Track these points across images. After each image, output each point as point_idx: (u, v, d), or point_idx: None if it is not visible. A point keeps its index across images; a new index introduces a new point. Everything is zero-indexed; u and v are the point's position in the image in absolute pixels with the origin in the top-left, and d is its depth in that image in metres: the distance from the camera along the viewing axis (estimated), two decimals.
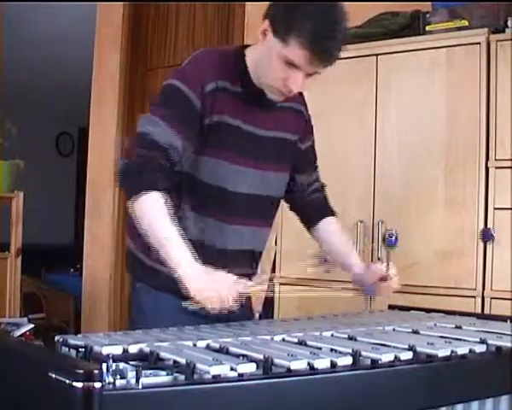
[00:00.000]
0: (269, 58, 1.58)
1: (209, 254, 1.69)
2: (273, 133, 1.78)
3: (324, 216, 1.98)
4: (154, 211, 1.54)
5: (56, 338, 1.26)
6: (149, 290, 1.75)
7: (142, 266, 1.77)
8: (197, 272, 1.51)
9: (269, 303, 3.08)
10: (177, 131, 1.60)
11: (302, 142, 1.91)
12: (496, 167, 2.48)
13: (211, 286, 1.49)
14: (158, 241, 1.53)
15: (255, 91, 1.69)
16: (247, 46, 1.74)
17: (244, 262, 1.79)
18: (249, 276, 1.77)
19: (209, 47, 2.38)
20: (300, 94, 1.87)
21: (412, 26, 2.77)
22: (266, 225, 1.87)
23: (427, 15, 2.72)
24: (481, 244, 2.48)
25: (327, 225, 1.97)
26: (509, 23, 2.53)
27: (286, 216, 2.90)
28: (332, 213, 2.00)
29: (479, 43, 2.53)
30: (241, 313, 1.72)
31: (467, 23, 2.62)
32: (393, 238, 1.99)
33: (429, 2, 2.83)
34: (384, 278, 1.82)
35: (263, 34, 1.59)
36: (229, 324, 1.58)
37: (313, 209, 1.98)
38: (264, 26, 1.58)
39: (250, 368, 1.07)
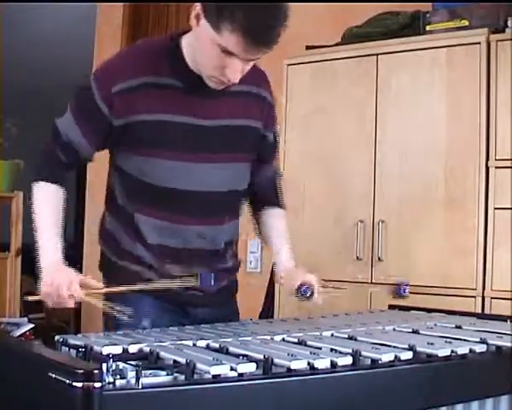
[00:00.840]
0: (203, 45, 1.47)
1: (170, 256, 1.66)
2: (226, 121, 1.65)
3: (272, 204, 1.84)
4: (38, 200, 1.62)
5: (56, 338, 1.26)
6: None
7: (114, 267, 1.72)
8: (49, 266, 1.51)
9: (268, 304, 3.08)
10: (82, 130, 1.61)
11: (266, 128, 1.76)
12: (496, 167, 2.48)
13: (50, 281, 1.47)
14: (36, 229, 1.58)
15: (195, 80, 1.57)
16: (185, 32, 1.61)
17: (210, 260, 1.71)
18: (219, 271, 1.68)
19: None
20: (264, 77, 1.76)
21: (412, 25, 2.77)
22: (231, 219, 1.74)
23: (428, 15, 2.72)
24: (481, 244, 2.49)
25: (272, 213, 1.83)
26: (509, 23, 2.53)
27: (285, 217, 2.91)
28: (280, 205, 1.86)
29: (479, 43, 2.53)
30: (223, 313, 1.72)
31: (467, 23, 2.62)
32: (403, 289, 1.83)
33: (429, 3, 2.84)
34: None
35: (196, 19, 1.47)
36: (228, 324, 1.58)
37: (262, 194, 1.83)
38: (196, 11, 1.45)
39: (250, 368, 1.07)
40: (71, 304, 1.46)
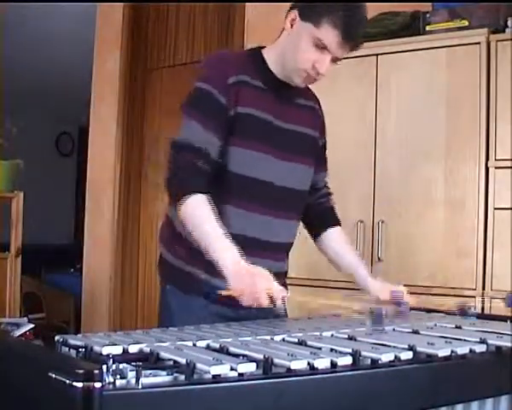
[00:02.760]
0: (298, 43, 1.68)
1: (250, 248, 1.68)
2: (297, 127, 1.83)
3: (331, 225, 1.98)
4: (197, 214, 1.63)
5: (56, 338, 1.26)
6: (178, 292, 1.79)
7: (171, 269, 1.81)
8: (238, 266, 1.53)
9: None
10: (210, 129, 1.68)
11: (320, 139, 1.94)
12: (496, 167, 2.48)
13: (249, 279, 1.50)
14: (204, 242, 1.60)
15: (278, 86, 1.77)
16: (261, 48, 1.82)
17: (274, 255, 1.80)
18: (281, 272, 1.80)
19: (213, 48, 2.42)
20: (317, 97, 1.95)
21: (412, 26, 2.77)
22: (294, 217, 1.87)
23: (428, 15, 2.72)
24: (481, 244, 2.49)
25: (333, 235, 1.97)
26: (509, 23, 2.53)
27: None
28: (338, 222, 2.00)
29: (479, 43, 2.53)
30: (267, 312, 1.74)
31: (467, 23, 2.62)
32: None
33: (429, 3, 2.84)
34: (397, 303, 1.78)
35: (290, 24, 1.70)
36: (229, 324, 1.58)
37: (320, 217, 1.98)
38: (291, 16, 1.69)
39: (250, 368, 1.07)
40: (266, 302, 1.49)
